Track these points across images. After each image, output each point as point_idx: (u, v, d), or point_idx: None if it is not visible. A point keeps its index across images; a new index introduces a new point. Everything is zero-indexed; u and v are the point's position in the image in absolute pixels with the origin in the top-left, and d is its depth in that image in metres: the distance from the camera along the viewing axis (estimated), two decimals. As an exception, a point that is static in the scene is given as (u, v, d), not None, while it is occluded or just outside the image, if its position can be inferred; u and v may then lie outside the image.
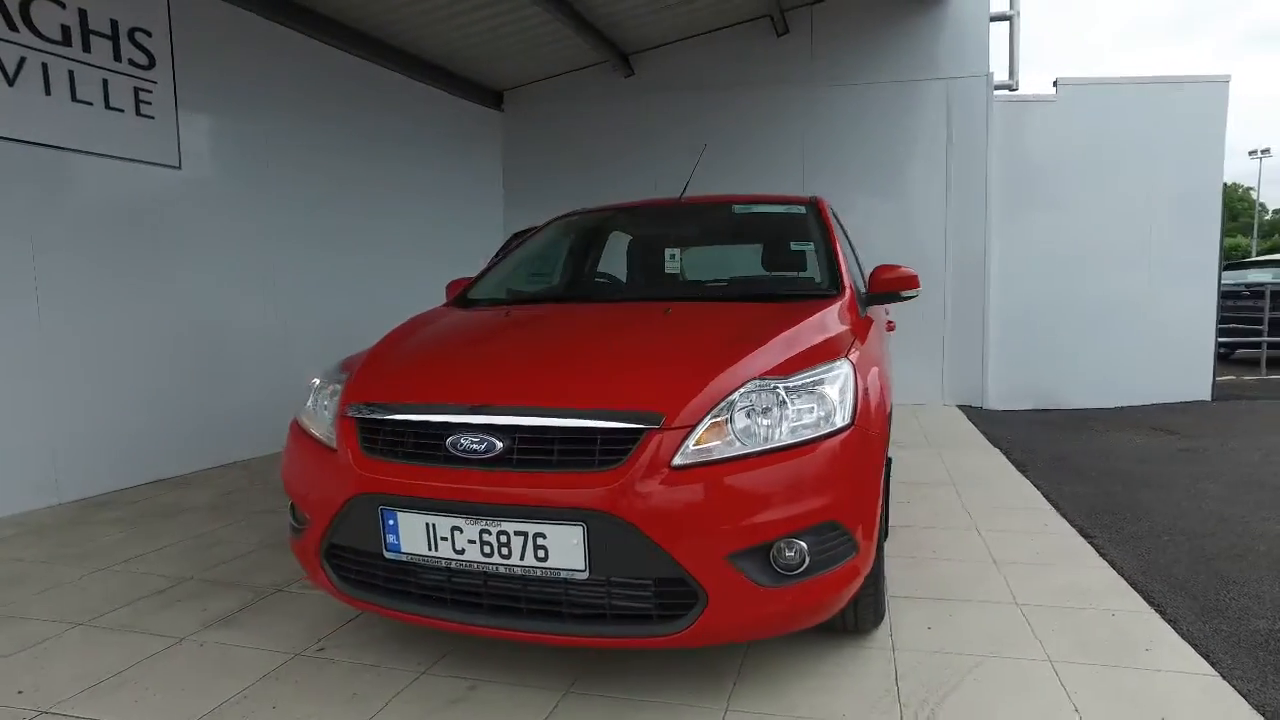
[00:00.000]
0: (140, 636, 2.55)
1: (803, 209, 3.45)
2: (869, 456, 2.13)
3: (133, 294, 4.59)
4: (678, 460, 1.91)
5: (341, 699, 2.15)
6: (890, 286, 3.02)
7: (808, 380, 2.10)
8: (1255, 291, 9.44)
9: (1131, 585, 2.93)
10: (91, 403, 4.36)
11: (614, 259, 3.74)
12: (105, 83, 4.43)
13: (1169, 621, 2.61)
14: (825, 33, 7.47)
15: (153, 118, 4.69)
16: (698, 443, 1.93)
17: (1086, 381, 7.33)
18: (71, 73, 4.22)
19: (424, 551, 2.01)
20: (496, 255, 5.16)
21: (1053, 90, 7.28)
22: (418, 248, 6.93)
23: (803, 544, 1.95)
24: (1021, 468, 4.83)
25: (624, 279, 3.62)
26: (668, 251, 3.60)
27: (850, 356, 2.24)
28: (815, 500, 1.97)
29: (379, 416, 2.14)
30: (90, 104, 4.35)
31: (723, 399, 2.00)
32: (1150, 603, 2.76)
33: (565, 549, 1.90)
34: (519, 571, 1.94)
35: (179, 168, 4.84)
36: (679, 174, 7.61)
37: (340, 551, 2.18)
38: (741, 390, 2.02)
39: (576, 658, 2.32)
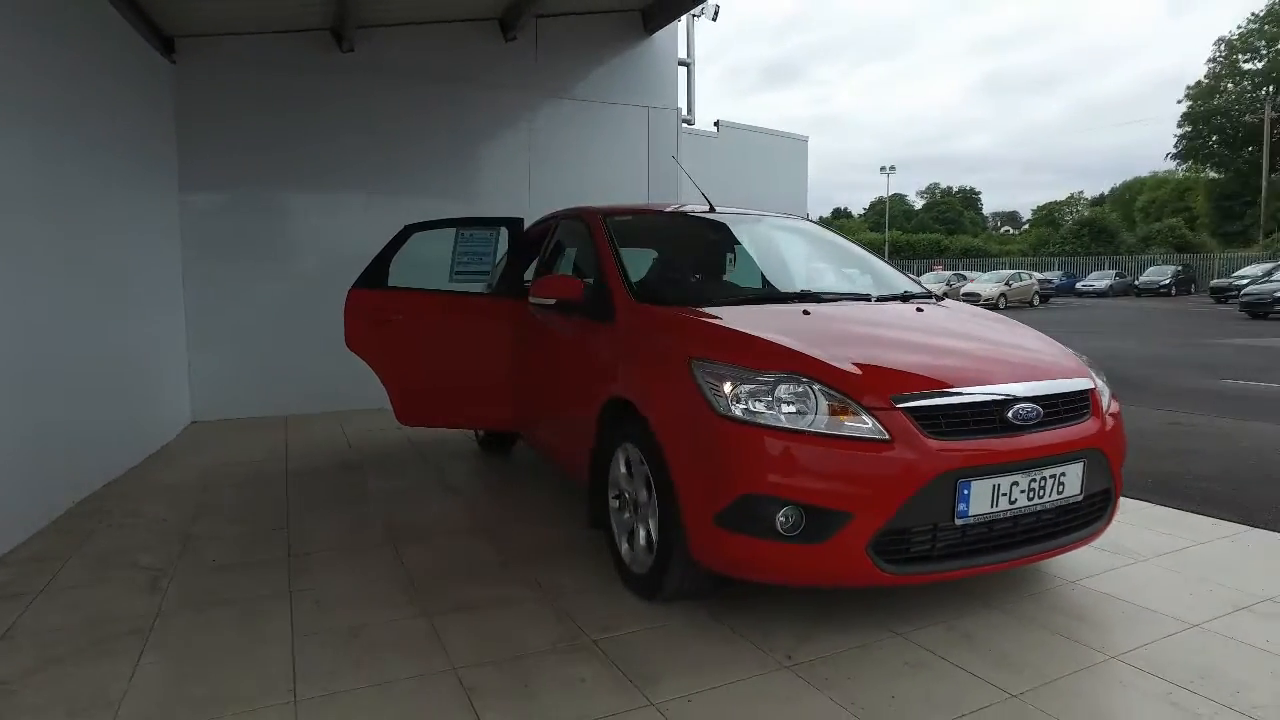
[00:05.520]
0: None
1: (817, 225, 4.12)
2: None
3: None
4: (1108, 408, 2.61)
5: (927, 700, 2.10)
6: None
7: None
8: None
9: (1192, 513, 3.67)
10: None
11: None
12: None
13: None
14: (548, 45, 7.88)
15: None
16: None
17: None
18: None
19: (986, 510, 2.26)
20: (391, 246, 4.43)
21: (715, 129, 9.10)
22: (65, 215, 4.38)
23: None
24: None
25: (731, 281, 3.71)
26: (727, 256, 3.85)
27: None
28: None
29: (938, 403, 2.26)
30: None
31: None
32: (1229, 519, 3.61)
33: (1073, 481, 2.42)
34: (1051, 506, 2.38)
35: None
36: (401, 163, 7.24)
37: (886, 537, 2.20)
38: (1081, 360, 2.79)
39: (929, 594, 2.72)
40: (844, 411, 2.24)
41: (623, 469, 2.87)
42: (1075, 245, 42.07)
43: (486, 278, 4.37)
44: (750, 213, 4.19)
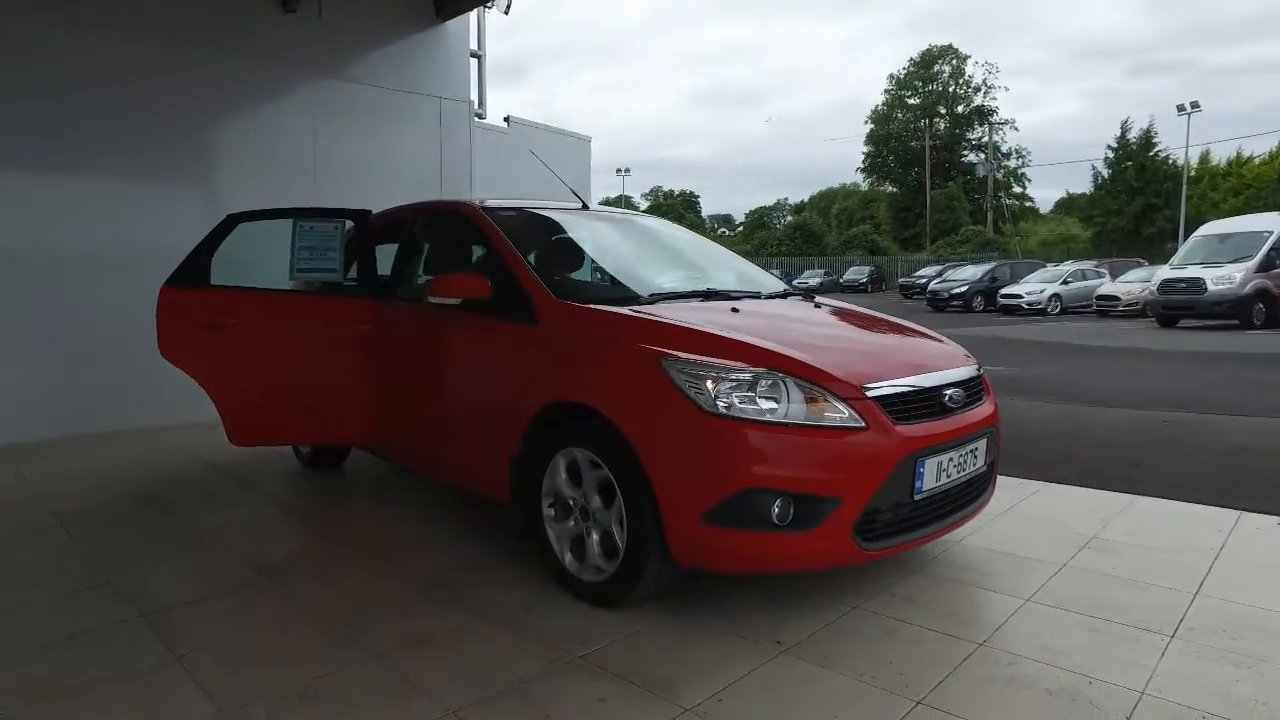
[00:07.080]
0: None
1: (668, 222, 4.27)
2: None
3: None
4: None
5: (920, 660, 2.31)
6: None
7: None
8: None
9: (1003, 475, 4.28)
10: None
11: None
12: None
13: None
14: (333, 22, 7.15)
15: None
16: None
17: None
18: None
19: (934, 484, 2.52)
20: (213, 238, 3.80)
21: (505, 124, 8.90)
22: None
23: None
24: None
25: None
26: (616, 253, 3.80)
27: None
28: None
29: (897, 391, 2.47)
30: None
31: None
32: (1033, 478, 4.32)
33: (981, 453, 2.79)
34: (970, 476, 2.71)
35: None
36: (156, 142, 6.30)
37: (865, 517, 2.36)
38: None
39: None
40: (820, 402, 2.36)
41: (563, 475, 2.74)
42: (790, 247, 47.55)
43: (334, 275, 3.89)
44: (617, 212, 4.21)
